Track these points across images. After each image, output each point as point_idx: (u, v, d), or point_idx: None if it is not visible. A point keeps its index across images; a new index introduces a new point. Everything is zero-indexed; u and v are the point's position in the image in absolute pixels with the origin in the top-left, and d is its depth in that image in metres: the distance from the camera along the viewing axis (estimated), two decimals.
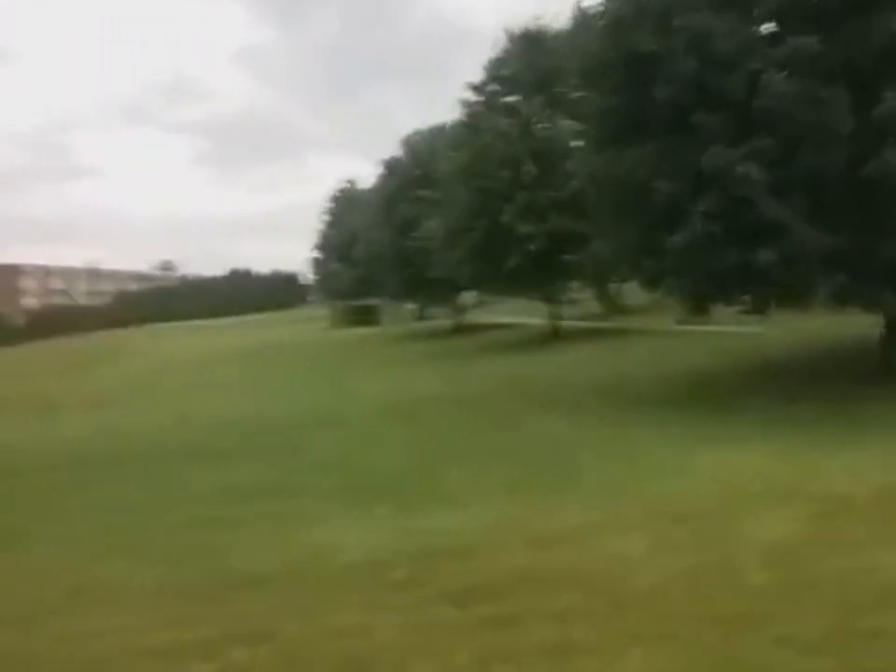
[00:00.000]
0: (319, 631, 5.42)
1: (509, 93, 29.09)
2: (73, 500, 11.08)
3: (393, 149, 42.26)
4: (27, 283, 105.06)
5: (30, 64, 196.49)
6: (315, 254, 63.87)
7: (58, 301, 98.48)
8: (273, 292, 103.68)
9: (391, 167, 41.76)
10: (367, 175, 50.81)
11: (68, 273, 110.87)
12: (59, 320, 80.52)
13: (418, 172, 37.67)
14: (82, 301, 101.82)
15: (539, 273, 27.61)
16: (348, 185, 59.20)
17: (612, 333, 27.58)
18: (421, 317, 52.41)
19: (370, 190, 48.90)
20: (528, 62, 28.14)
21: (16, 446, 16.81)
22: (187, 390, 28.98)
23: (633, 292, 28.13)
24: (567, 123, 25.08)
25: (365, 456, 12.65)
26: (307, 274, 77.10)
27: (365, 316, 55.95)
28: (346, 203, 57.04)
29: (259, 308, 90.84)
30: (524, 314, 36.06)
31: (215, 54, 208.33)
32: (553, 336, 29.68)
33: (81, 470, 13.31)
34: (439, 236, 30.91)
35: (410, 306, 53.76)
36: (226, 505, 10.01)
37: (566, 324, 30.63)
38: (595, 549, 6.83)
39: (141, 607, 6.32)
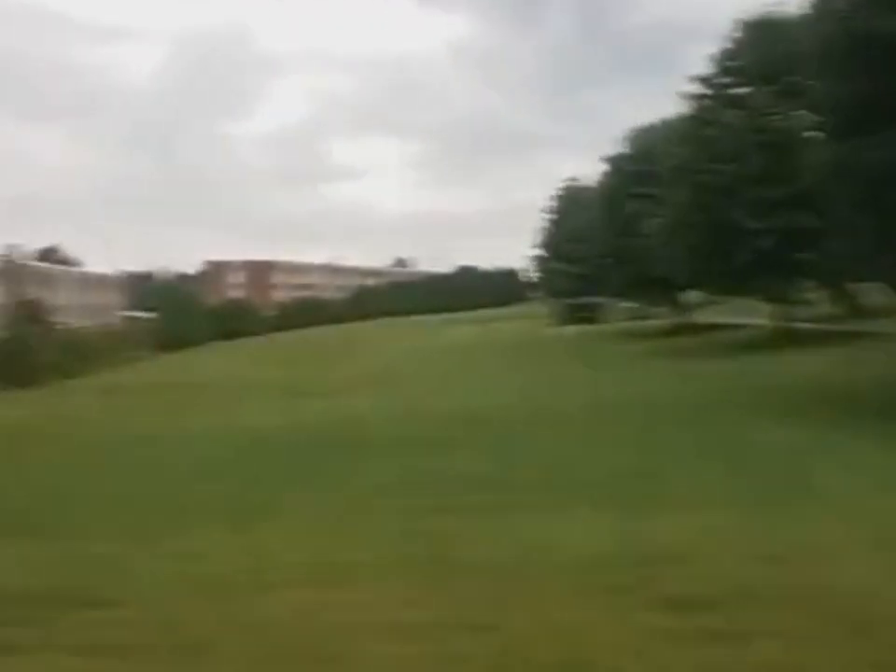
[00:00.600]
0: (539, 627, 5.50)
1: (738, 85, 27.98)
2: (309, 483, 11.81)
3: (618, 146, 41.80)
4: (277, 278, 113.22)
5: (285, 72, 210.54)
6: (537, 252, 64.31)
7: (303, 295, 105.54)
8: (496, 289, 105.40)
9: (614, 164, 41.29)
10: (592, 172, 50.48)
11: (313, 269, 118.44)
12: (304, 313, 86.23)
13: (642, 168, 37.03)
14: (325, 295, 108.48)
15: (767, 272, 26.37)
16: (571, 183, 59.09)
17: (849, 337, 25.83)
18: (641, 316, 51.47)
19: (593, 188, 48.61)
20: (760, 51, 26.91)
21: (262, 430, 18.22)
22: (418, 381, 30.22)
23: (875, 292, 26.21)
24: (800, 114, 23.80)
25: (585, 454, 12.61)
26: (529, 272, 77.77)
27: (586, 314, 55.81)
28: (569, 200, 56.92)
29: (483, 304, 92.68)
30: (748, 314, 34.54)
31: (446, 58, 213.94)
32: (783, 338, 28.22)
33: (319, 454, 14.22)
34: (659, 233, 30.30)
35: (630, 305, 52.92)
36: (449, 494, 10.33)
37: (796, 326, 29.03)
38: (825, 568, 6.52)
39: (371, 585, 6.64)
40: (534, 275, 73.20)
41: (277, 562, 7.50)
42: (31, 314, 50.58)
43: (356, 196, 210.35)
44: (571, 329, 49.96)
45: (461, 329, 61.26)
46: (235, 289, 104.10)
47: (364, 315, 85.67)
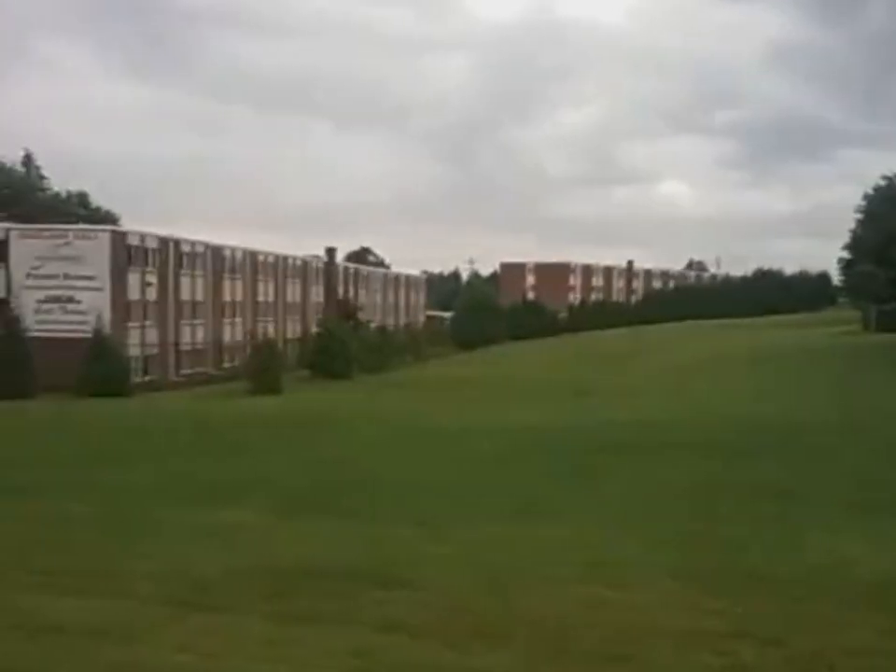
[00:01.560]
0: (832, 647, 5.24)
1: None
2: (593, 482, 11.96)
3: None
4: (573, 280, 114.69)
5: (584, 72, 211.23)
6: (845, 254, 59.73)
7: (597, 296, 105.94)
8: (799, 293, 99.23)
9: None
10: None
11: (606, 272, 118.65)
12: (597, 314, 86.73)
13: None
14: (617, 297, 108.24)
15: None
16: (888, 181, 54.24)
17: None
18: None
19: None
20: None
21: (549, 429, 18.50)
22: (708, 386, 29.33)
23: None
24: None
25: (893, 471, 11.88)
26: (836, 276, 72.51)
27: None
28: (885, 199, 52.36)
29: (784, 309, 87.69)
30: None
31: (750, 58, 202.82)
32: None
33: (603, 454, 14.27)
34: None
35: None
36: (739, 501, 10.11)
37: None
38: None
39: (655, 588, 6.61)
40: (841, 280, 68.22)
41: (560, 557, 7.65)
42: (344, 312, 55.15)
43: (651, 198, 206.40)
44: (885, 338, 45.77)
45: (755, 334, 58.30)
46: (530, 290, 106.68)
47: (658, 318, 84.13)
